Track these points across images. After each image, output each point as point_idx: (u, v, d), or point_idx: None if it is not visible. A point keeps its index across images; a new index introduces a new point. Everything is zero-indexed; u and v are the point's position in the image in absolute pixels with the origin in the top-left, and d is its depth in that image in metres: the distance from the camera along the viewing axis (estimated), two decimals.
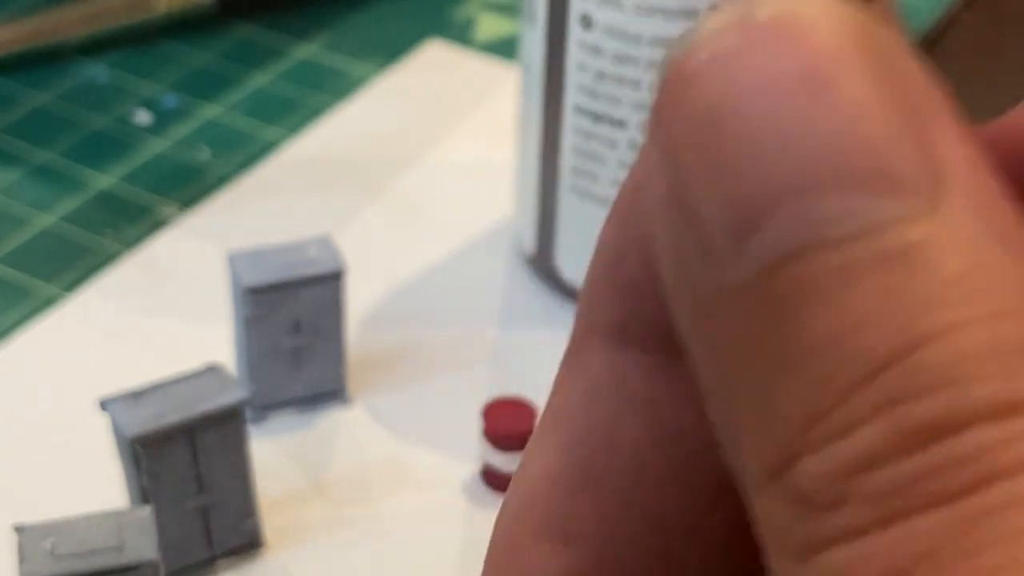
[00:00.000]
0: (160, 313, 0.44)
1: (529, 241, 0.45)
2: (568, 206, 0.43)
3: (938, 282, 0.13)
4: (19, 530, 0.32)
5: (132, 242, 0.47)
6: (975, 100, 0.60)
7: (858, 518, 0.13)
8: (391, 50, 0.55)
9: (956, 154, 0.13)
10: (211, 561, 0.37)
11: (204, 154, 0.50)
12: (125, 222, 0.48)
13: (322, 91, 0.53)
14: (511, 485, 0.17)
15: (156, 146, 0.51)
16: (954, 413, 0.13)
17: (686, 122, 0.13)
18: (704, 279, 0.13)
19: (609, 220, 0.16)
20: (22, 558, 0.31)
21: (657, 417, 0.16)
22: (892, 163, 0.13)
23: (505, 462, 0.39)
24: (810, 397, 0.13)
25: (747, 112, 0.13)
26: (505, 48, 0.55)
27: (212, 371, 0.36)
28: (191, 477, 0.36)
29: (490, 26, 0.57)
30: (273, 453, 0.40)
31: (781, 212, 0.13)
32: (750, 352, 0.13)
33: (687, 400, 0.15)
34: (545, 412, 0.17)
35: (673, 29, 0.39)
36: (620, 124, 0.41)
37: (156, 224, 0.47)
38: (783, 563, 0.13)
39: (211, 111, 0.52)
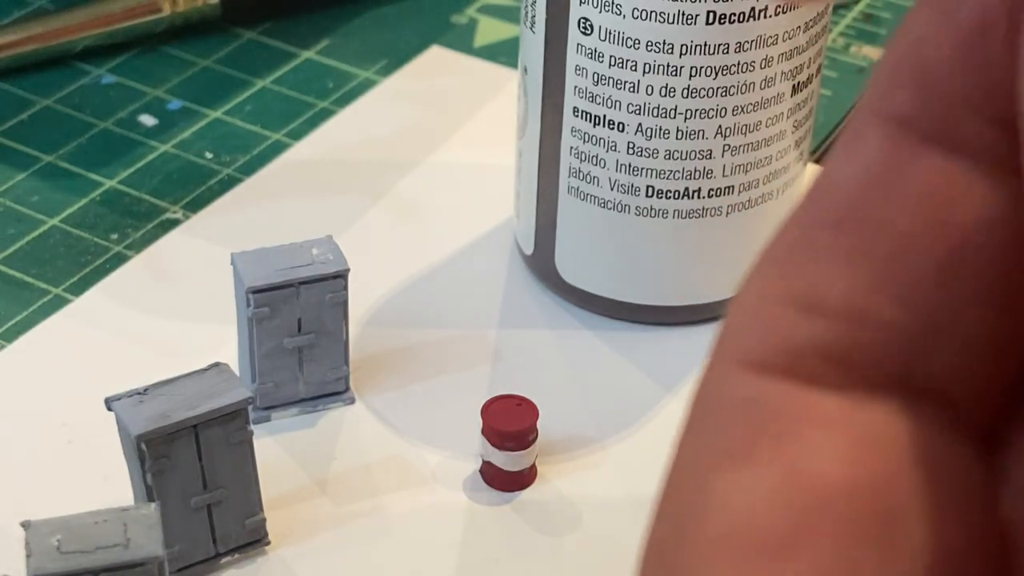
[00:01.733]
0: (165, 313, 0.45)
1: (529, 242, 0.45)
2: (567, 208, 0.43)
3: None
4: (26, 526, 0.32)
5: (137, 244, 0.47)
6: None
7: None
8: (393, 55, 0.56)
9: None
10: (216, 558, 0.37)
11: (208, 157, 0.51)
12: (130, 224, 0.48)
13: (325, 95, 0.54)
14: (762, 251, 0.16)
15: (161, 149, 0.51)
16: None
17: None
18: None
19: (915, 8, 0.15)
20: (29, 554, 0.32)
21: (934, 209, 0.15)
22: None
23: (504, 460, 0.39)
24: None
25: None
26: (505, 52, 0.56)
27: (217, 370, 0.36)
28: (196, 475, 0.36)
29: (490, 30, 0.57)
30: (277, 452, 0.40)
31: None
32: None
33: (969, 197, 0.15)
34: (806, 195, 0.16)
35: (671, 33, 0.40)
36: (618, 126, 0.41)
37: (161, 226, 0.48)
38: None
39: (215, 114, 0.53)
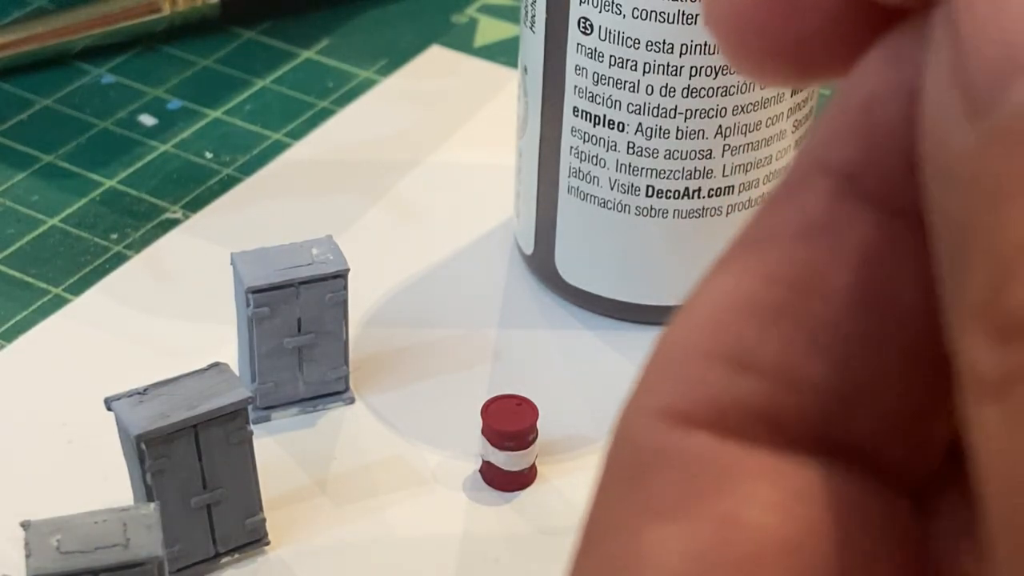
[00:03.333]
0: (165, 313, 0.45)
1: (529, 242, 0.45)
2: (567, 208, 0.43)
3: None
4: (26, 526, 0.32)
5: (137, 243, 0.47)
6: None
7: None
8: (393, 54, 0.56)
9: None
10: (215, 558, 0.37)
11: (208, 157, 0.51)
12: (130, 224, 0.48)
13: (325, 95, 0.54)
14: (687, 302, 0.16)
15: (161, 149, 0.51)
16: None
17: None
18: (961, 127, 0.13)
19: (869, 58, 0.15)
20: (29, 553, 0.32)
21: (870, 272, 0.15)
22: None
23: (504, 460, 0.39)
24: None
25: None
26: (505, 52, 0.56)
27: (216, 370, 0.36)
28: (195, 475, 0.36)
29: (490, 30, 0.57)
30: (276, 451, 0.40)
31: None
32: (986, 186, 0.13)
33: (904, 261, 0.15)
34: (740, 239, 0.16)
35: (671, 33, 0.40)
36: (619, 126, 0.41)
37: (161, 226, 0.48)
38: (978, 406, 0.13)
39: (215, 114, 0.53)
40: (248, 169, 0.50)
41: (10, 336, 0.44)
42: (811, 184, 0.15)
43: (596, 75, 0.41)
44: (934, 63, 0.14)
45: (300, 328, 0.40)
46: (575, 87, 0.41)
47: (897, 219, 0.15)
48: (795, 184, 0.15)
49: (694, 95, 0.40)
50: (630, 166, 0.42)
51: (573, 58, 0.41)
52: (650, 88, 0.40)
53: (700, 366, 0.15)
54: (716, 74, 0.40)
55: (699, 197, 0.42)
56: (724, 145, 0.41)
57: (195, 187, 0.49)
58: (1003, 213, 0.13)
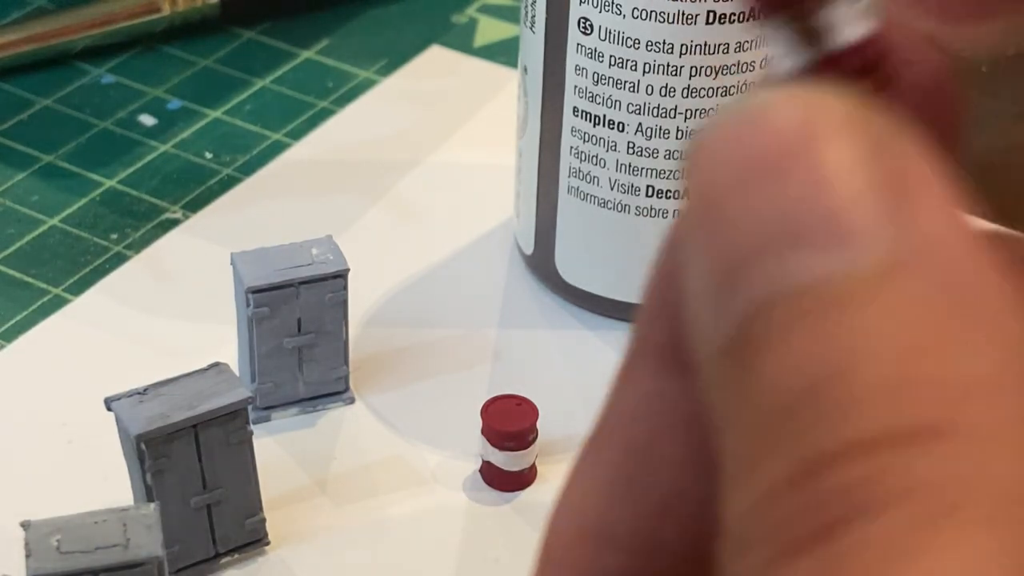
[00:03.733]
0: (165, 313, 0.45)
1: (529, 242, 0.45)
2: (567, 208, 0.43)
3: (863, 323, 0.14)
4: (26, 526, 0.32)
5: (137, 243, 0.47)
6: (969, 100, 0.60)
7: (759, 557, 0.14)
8: (393, 54, 0.56)
9: (930, 219, 0.15)
10: (215, 558, 0.37)
11: (208, 157, 0.51)
12: (130, 224, 0.48)
13: (325, 95, 0.54)
14: (563, 490, 0.17)
15: (160, 149, 0.51)
16: (835, 444, 0.13)
17: (691, 200, 0.15)
18: (705, 335, 0.15)
19: (664, 245, 0.17)
20: (29, 554, 0.32)
21: (695, 437, 0.16)
22: (849, 224, 0.14)
23: (504, 460, 0.39)
24: (750, 436, 0.14)
25: (731, 190, 0.15)
26: (505, 52, 0.56)
27: (216, 370, 0.36)
28: (195, 475, 0.36)
29: (490, 30, 0.57)
30: (276, 452, 0.40)
31: (752, 269, 0.15)
32: (729, 396, 0.15)
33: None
34: (596, 426, 0.18)
35: (671, 33, 0.40)
36: (619, 126, 0.41)
37: (161, 225, 0.48)
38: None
39: (215, 114, 0.53)
40: (248, 169, 0.50)
41: (10, 336, 0.44)
42: (639, 367, 0.17)
43: (596, 75, 0.41)
44: (689, 271, 0.16)
45: (300, 328, 0.40)
46: (575, 87, 0.41)
47: None
48: (628, 368, 0.17)
49: (694, 95, 0.40)
50: (630, 166, 0.42)
51: (573, 58, 0.41)
52: (650, 88, 0.40)
53: (572, 547, 0.17)
54: (716, 74, 0.40)
55: None
56: None
57: (195, 187, 0.49)
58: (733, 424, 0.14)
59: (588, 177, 0.42)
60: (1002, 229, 0.17)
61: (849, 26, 0.16)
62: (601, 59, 0.41)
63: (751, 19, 0.39)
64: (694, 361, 0.16)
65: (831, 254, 0.14)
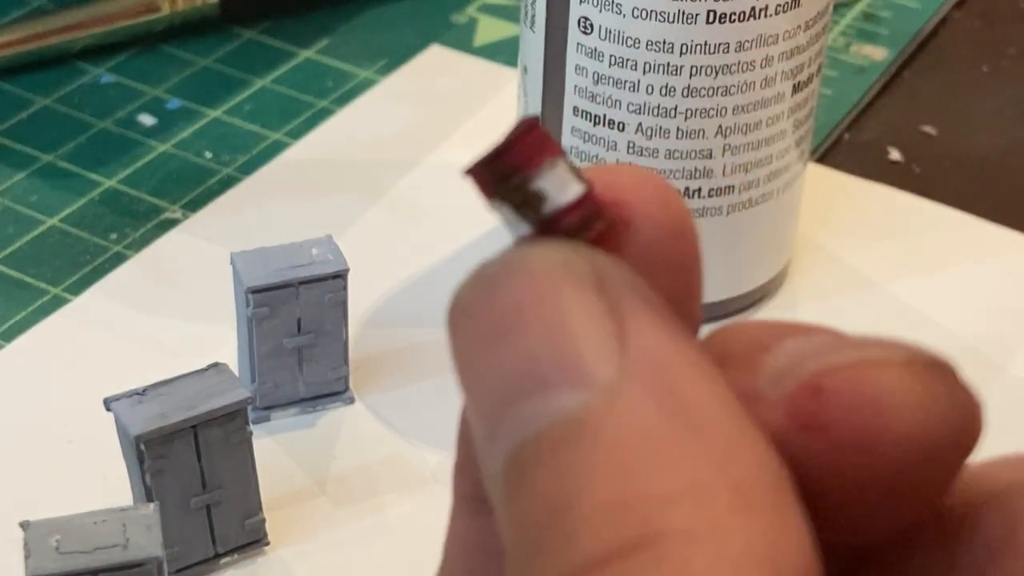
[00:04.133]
0: (164, 313, 0.44)
1: None
2: None
3: (588, 452, 0.16)
4: (25, 526, 0.32)
5: (136, 243, 0.47)
6: (970, 100, 0.60)
7: None
8: (392, 54, 0.56)
9: (648, 344, 0.17)
10: (215, 559, 0.37)
11: (207, 156, 0.51)
12: (129, 223, 0.48)
13: (324, 94, 0.54)
14: None
15: (160, 148, 0.51)
16: (568, 568, 0.15)
17: (454, 364, 0.18)
18: (485, 480, 0.17)
19: (461, 416, 0.19)
20: (28, 554, 0.31)
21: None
22: (577, 363, 0.16)
23: None
24: (519, 562, 0.16)
25: (479, 351, 0.17)
26: (505, 51, 0.56)
27: (216, 371, 0.36)
28: (195, 475, 0.36)
29: (490, 29, 0.57)
30: (276, 452, 0.40)
31: (504, 419, 0.17)
32: (504, 534, 0.17)
33: None
34: (440, 563, 0.20)
35: (671, 32, 0.39)
36: (619, 126, 0.41)
37: (160, 225, 0.48)
38: None
39: (214, 114, 0.53)
40: (248, 169, 0.50)
41: (9, 336, 0.44)
42: (457, 510, 0.20)
43: (596, 75, 0.41)
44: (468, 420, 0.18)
45: (300, 328, 0.40)
46: (575, 87, 0.41)
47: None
48: (452, 510, 0.20)
49: (694, 94, 0.40)
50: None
51: (573, 58, 0.41)
52: (650, 88, 0.40)
53: None
54: (716, 73, 0.40)
55: (699, 197, 0.42)
56: (724, 144, 0.41)
57: (194, 187, 0.49)
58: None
59: None
60: (725, 325, 0.19)
61: (558, 191, 0.18)
62: (601, 59, 0.40)
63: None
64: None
65: (564, 394, 0.16)
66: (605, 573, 0.15)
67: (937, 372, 0.17)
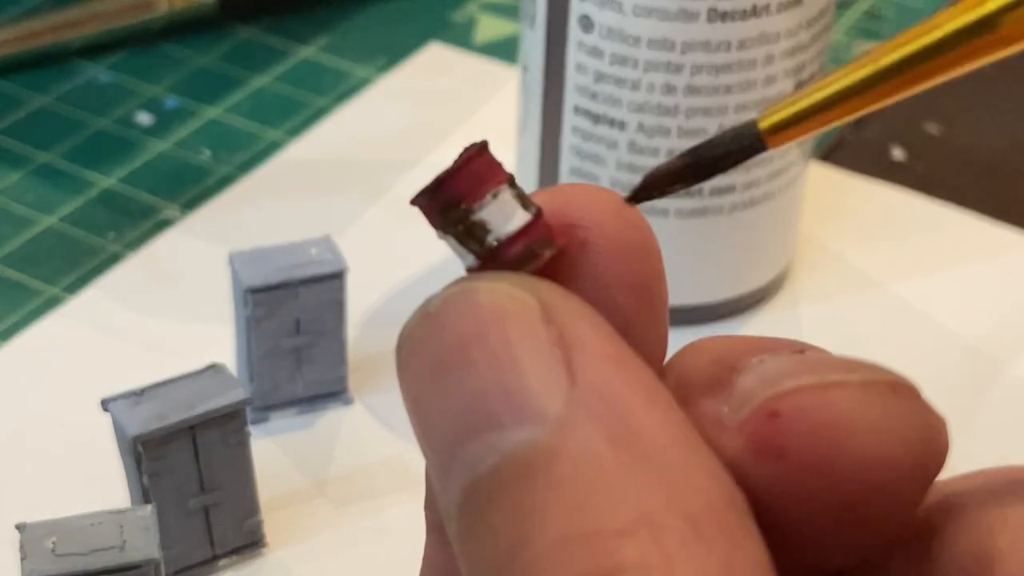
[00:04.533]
0: (162, 313, 0.44)
1: None
2: None
3: (540, 488, 0.16)
4: (21, 528, 0.32)
5: (134, 242, 0.47)
6: (973, 99, 0.60)
7: None
8: (391, 52, 0.55)
9: (597, 375, 0.16)
10: (212, 560, 0.37)
11: (205, 155, 0.51)
12: (127, 223, 0.48)
13: (323, 93, 0.53)
14: None
15: (158, 147, 0.51)
16: None
17: (405, 404, 0.18)
18: (443, 516, 0.17)
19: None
20: (24, 556, 0.31)
21: None
22: (525, 398, 0.16)
23: None
24: None
25: (428, 390, 0.17)
26: (505, 50, 0.55)
27: (214, 371, 0.36)
28: (192, 477, 0.36)
29: (490, 28, 0.57)
30: (274, 453, 0.40)
31: (455, 459, 0.17)
32: (462, 563, 0.17)
33: None
34: None
35: (672, 31, 0.39)
36: (619, 125, 0.41)
37: (158, 225, 0.48)
38: None
39: (212, 112, 0.52)
40: (246, 168, 0.50)
41: (6, 336, 0.44)
42: (429, 538, 0.20)
43: (597, 73, 0.41)
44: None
45: (298, 328, 0.40)
46: (576, 85, 0.41)
47: None
48: (426, 541, 0.20)
49: (695, 93, 0.40)
50: (631, 165, 0.41)
51: (574, 56, 0.41)
52: (651, 86, 0.40)
53: None
54: (717, 72, 0.40)
55: (700, 196, 0.42)
56: None
57: (192, 186, 0.49)
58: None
59: (589, 176, 0.42)
60: (692, 342, 0.19)
61: (502, 221, 0.18)
62: (602, 57, 0.40)
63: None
64: None
65: (513, 431, 0.16)
66: None
67: (896, 393, 0.17)
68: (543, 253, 0.18)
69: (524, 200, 0.18)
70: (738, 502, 0.16)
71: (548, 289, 0.17)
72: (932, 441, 0.17)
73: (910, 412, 0.17)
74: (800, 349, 0.18)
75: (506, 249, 0.18)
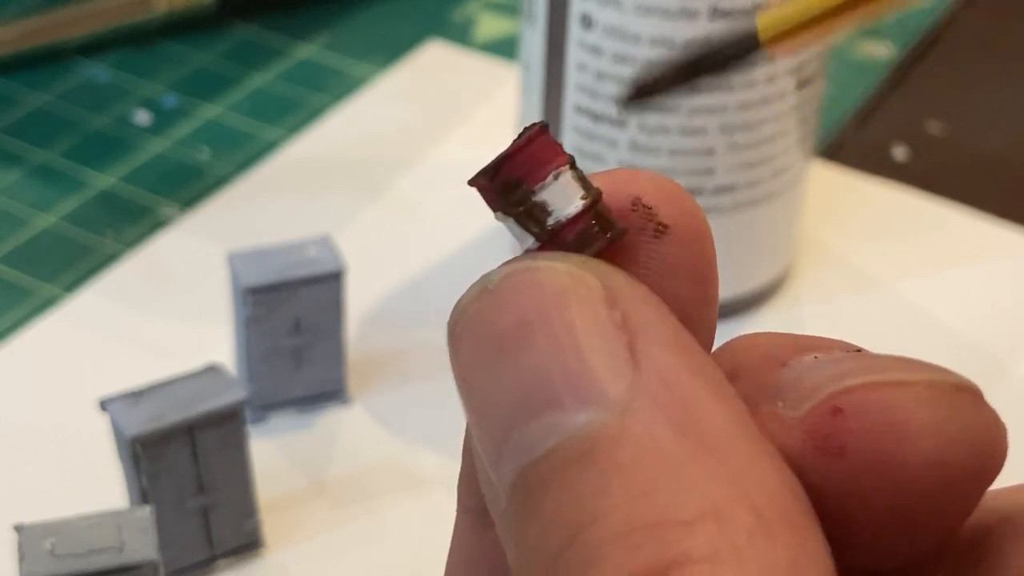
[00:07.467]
0: (160, 313, 0.44)
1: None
2: None
3: (603, 473, 0.15)
4: (19, 529, 0.32)
5: (132, 242, 0.47)
6: (976, 98, 0.60)
7: None
8: (391, 50, 0.55)
9: (660, 362, 0.16)
10: (211, 561, 0.37)
11: (204, 154, 0.50)
12: (125, 222, 0.48)
13: (322, 91, 0.53)
14: None
15: (156, 146, 0.51)
16: None
17: (456, 380, 0.17)
18: (490, 498, 0.17)
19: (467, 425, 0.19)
20: (22, 557, 0.31)
21: None
22: (587, 381, 0.16)
23: None
24: None
25: (485, 367, 0.17)
26: (505, 48, 0.55)
27: (212, 371, 0.36)
28: (191, 477, 0.36)
29: (490, 26, 0.57)
30: (273, 453, 0.40)
31: (512, 438, 0.16)
32: (511, 556, 0.16)
33: None
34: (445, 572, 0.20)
35: (672, 29, 0.39)
36: (620, 124, 0.41)
37: (156, 224, 0.47)
38: None
39: (211, 111, 0.52)
40: (245, 167, 0.50)
41: (3, 336, 0.43)
42: (460, 522, 0.20)
43: (598, 72, 0.40)
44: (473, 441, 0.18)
45: (297, 328, 0.40)
46: (576, 84, 0.41)
47: None
48: (456, 523, 0.20)
49: (695, 92, 0.40)
50: (632, 164, 0.41)
51: (574, 55, 0.41)
52: None
53: None
54: None
55: (701, 195, 0.42)
56: (727, 143, 0.41)
57: (191, 185, 0.49)
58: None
59: None
60: (739, 336, 0.19)
61: (563, 203, 0.18)
62: (602, 56, 0.40)
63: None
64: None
65: (574, 413, 0.16)
66: None
67: (960, 395, 0.17)
68: (604, 236, 0.18)
69: (584, 182, 0.18)
70: (801, 498, 0.16)
71: (611, 272, 0.17)
72: (993, 445, 0.17)
73: (974, 415, 0.17)
74: (856, 349, 0.18)
75: (567, 231, 0.18)
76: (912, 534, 0.17)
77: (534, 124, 0.18)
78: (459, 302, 0.17)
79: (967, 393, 0.17)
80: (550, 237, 0.18)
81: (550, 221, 0.18)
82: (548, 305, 0.17)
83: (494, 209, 0.18)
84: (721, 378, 0.16)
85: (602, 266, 0.17)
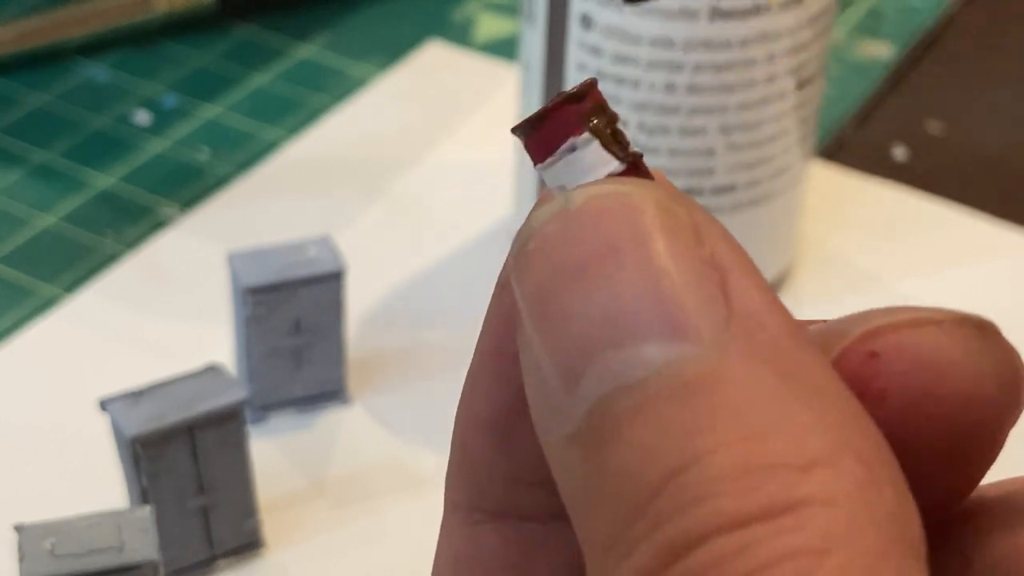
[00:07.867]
0: (160, 313, 0.44)
1: None
2: None
3: (705, 411, 0.15)
4: (19, 530, 0.32)
5: (132, 242, 0.47)
6: (975, 98, 0.59)
7: None
8: (391, 50, 0.55)
9: (751, 303, 0.16)
10: (211, 561, 0.37)
11: (204, 154, 0.50)
12: (125, 222, 0.48)
13: (322, 91, 0.53)
14: None
15: (156, 146, 0.51)
16: (698, 527, 0.15)
17: (525, 300, 0.16)
18: (552, 429, 0.16)
19: (456, 417, 0.19)
20: (22, 557, 0.31)
21: (512, 573, 0.18)
22: (680, 314, 0.15)
23: None
24: (609, 525, 0.15)
25: (564, 289, 0.16)
26: (505, 48, 0.55)
27: (212, 371, 0.36)
28: (191, 477, 0.36)
29: (490, 26, 0.57)
30: (273, 453, 0.40)
31: (594, 364, 0.16)
32: (581, 484, 0.16)
33: (536, 561, 0.18)
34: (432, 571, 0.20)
35: (672, 29, 0.39)
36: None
37: (156, 224, 0.47)
38: None
39: (211, 111, 0.52)
40: (245, 167, 0.50)
41: (3, 336, 0.43)
42: (448, 522, 0.19)
43: (598, 72, 0.40)
44: (527, 381, 0.17)
45: (297, 328, 0.40)
46: (576, 84, 0.41)
47: (523, 521, 0.19)
48: (444, 524, 0.19)
49: (696, 92, 0.40)
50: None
51: (574, 55, 0.41)
52: (652, 85, 0.40)
53: None
54: (718, 71, 0.40)
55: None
56: (727, 142, 0.41)
57: (191, 185, 0.49)
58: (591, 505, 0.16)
59: None
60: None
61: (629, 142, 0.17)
62: (602, 56, 0.40)
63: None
64: (498, 514, 0.18)
65: (665, 345, 0.15)
66: (735, 538, 0.14)
67: (984, 332, 0.17)
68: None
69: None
70: (887, 446, 0.15)
71: (696, 206, 0.16)
72: (1018, 379, 0.17)
73: (1000, 350, 0.17)
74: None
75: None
76: (950, 475, 0.17)
77: (583, 80, 0.18)
78: (530, 219, 0.17)
79: (988, 330, 0.17)
80: (633, 163, 0.17)
81: (633, 147, 0.17)
82: (640, 232, 0.16)
83: (577, 133, 0.17)
84: (804, 327, 0.16)
85: (688, 199, 0.17)
